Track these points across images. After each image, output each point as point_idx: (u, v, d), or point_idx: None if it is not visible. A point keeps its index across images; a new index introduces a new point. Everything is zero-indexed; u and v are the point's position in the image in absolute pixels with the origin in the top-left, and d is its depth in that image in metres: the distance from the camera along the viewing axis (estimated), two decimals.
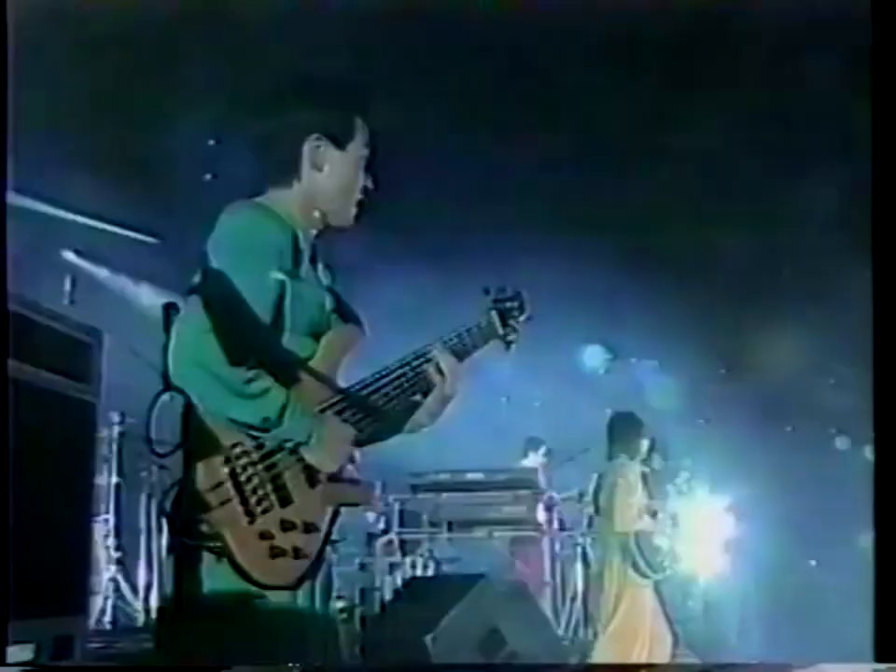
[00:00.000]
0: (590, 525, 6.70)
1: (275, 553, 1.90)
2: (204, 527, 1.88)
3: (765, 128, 5.68)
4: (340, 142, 2.16)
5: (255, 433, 1.93)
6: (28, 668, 2.36)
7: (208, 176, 6.10)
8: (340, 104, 2.19)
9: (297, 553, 1.93)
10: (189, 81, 5.17)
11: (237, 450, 1.91)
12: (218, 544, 1.87)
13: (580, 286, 7.35)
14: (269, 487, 1.93)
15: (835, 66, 4.71)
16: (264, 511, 1.91)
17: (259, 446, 1.94)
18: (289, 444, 1.96)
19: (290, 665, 1.96)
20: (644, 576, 5.12)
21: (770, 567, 7.73)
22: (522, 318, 2.37)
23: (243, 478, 1.90)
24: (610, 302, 7.58)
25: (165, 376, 1.91)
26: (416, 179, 5.81)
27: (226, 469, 1.90)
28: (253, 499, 1.91)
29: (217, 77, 5.12)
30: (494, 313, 2.34)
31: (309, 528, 1.96)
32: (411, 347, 2.21)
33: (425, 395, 2.21)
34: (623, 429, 5.39)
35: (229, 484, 1.89)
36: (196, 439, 1.93)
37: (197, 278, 1.98)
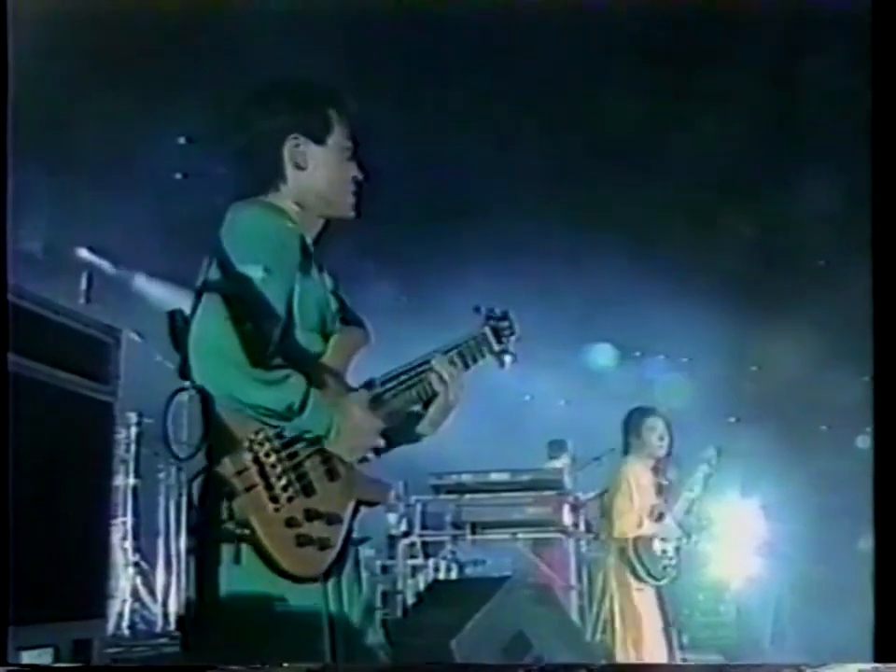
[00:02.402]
0: (588, 527, 6.69)
1: (302, 541, 1.94)
2: (231, 514, 1.91)
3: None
4: (318, 137, 2.20)
5: (276, 422, 1.96)
6: (13, 669, 2.38)
7: (178, 175, 6.18)
8: (310, 100, 2.23)
9: (322, 544, 1.97)
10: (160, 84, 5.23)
11: (260, 436, 1.95)
12: (246, 531, 1.91)
13: (604, 284, 7.37)
14: (292, 475, 1.97)
15: (835, 66, 4.73)
16: (289, 499, 1.95)
17: (280, 434, 1.97)
18: (309, 435, 1.99)
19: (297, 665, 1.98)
20: (642, 581, 5.06)
21: (805, 568, 7.69)
22: (513, 338, 2.45)
23: (267, 465, 1.95)
24: (636, 300, 7.57)
25: (182, 371, 1.95)
26: (419, 178, 5.86)
27: (249, 456, 1.94)
28: (278, 486, 1.95)
29: (193, 83, 5.17)
30: (488, 329, 2.41)
31: (332, 520, 2.00)
32: (409, 352, 2.27)
33: (425, 405, 2.26)
34: (636, 424, 5.30)
35: (253, 470, 1.94)
36: (216, 432, 1.96)
37: (211, 273, 2.03)
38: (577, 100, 5.60)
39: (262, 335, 1.97)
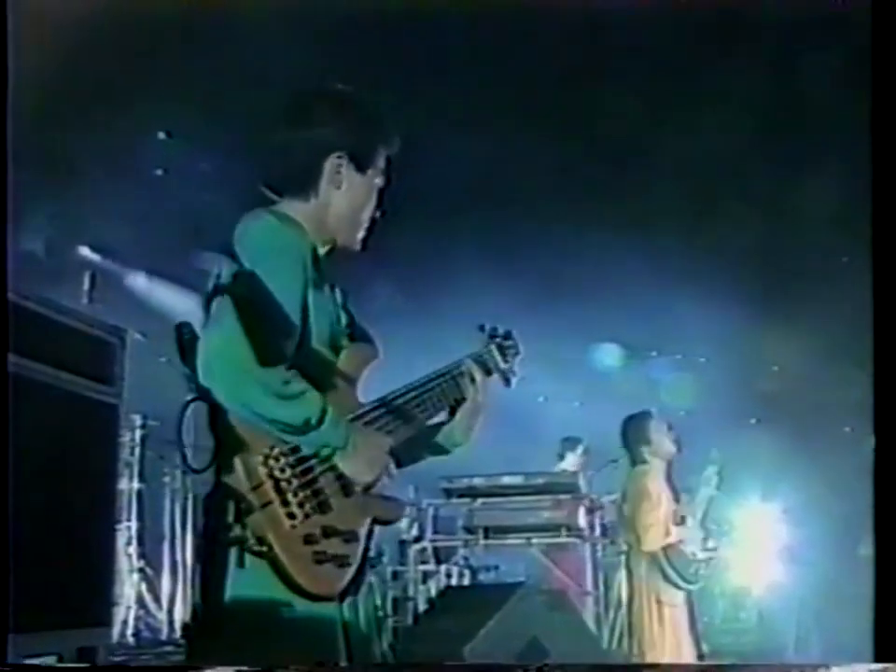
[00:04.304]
0: (604, 532, 6.67)
1: (319, 558, 1.94)
2: (247, 530, 1.90)
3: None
4: (361, 165, 2.21)
5: (291, 437, 1.96)
6: (13, 669, 2.39)
7: (159, 171, 6.23)
8: (369, 127, 2.24)
9: (340, 561, 1.97)
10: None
11: (275, 451, 1.95)
12: (263, 548, 1.90)
13: (620, 284, 7.37)
14: (308, 491, 1.97)
15: (835, 66, 4.75)
16: (306, 516, 1.95)
17: (295, 449, 1.97)
18: (326, 451, 1.99)
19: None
20: (678, 588, 5.04)
21: (829, 573, 7.66)
22: (518, 358, 2.49)
23: (282, 480, 1.94)
24: (653, 300, 7.56)
25: (196, 382, 1.95)
26: (422, 175, 5.87)
27: (265, 470, 1.93)
28: (294, 503, 1.94)
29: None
30: (494, 347, 2.44)
31: (349, 537, 2.00)
32: (413, 362, 2.29)
33: (451, 412, 2.29)
34: (642, 431, 5.27)
35: (269, 486, 1.93)
36: (229, 442, 1.96)
37: (224, 282, 2.00)
38: (580, 100, 5.64)
39: (278, 347, 1.97)
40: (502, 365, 2.44)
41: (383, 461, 2.07)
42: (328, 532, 1.96)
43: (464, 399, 2.28)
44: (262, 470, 1.93)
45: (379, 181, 2.25)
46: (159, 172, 6.28)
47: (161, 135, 5.97)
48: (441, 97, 5.51)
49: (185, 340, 2.00)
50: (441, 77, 5.33)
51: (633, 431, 5.30)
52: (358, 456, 2.02)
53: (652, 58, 5.33)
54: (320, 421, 1.95)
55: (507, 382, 2.47)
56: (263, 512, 1.91)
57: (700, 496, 5.18)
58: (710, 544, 5.16)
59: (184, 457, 1.96)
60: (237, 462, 1.93)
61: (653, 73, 5.45)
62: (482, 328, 2.47)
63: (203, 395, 1.95)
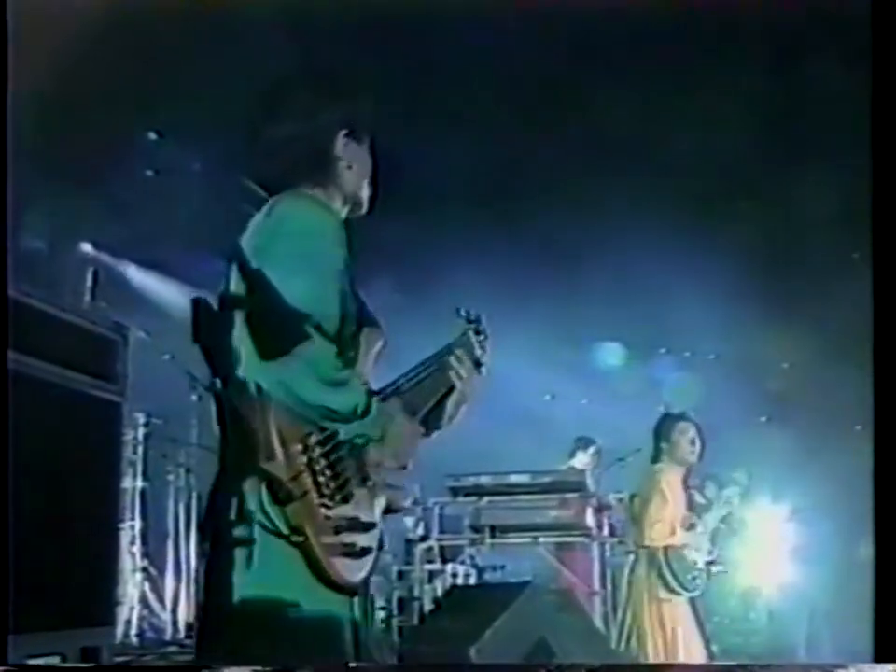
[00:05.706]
0: (612, 531, 6.68)
1: (346, 549, 1.97)
2: (284, 521, 1.91)
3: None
4: (359, 136, 2.24)
5: (333, 424, 1.98)
6: (14, 669, 2.40)
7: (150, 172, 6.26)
8: (355, 97, 2.26)
9: (362, 552, 2.00)
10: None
11: (312, 439, 1.96)
12: (300, 538, 1.91)
13: (626, 281, 7.37)
14: (339, 481, 1.98)
15: (835, 66, 4.76)
16: (336, 506, 1.96)
17: (329, 437, 1.98)
18: (360, 440, 2.01)
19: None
20: (673, 592, 5.04)
21: (840, 574, 7.66)
22: (487, 343, 2.46)
23: (317, 470, 1.96)
24: (662, 296, 7.55)
25: (213, 368, 1.97)
26: (429, 168, 5.90)
27: (304, 459, 1.94)
28: (327, 492, 1.96)
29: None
30: (471, 333, 2.43)
31: (367, 527, 2.02)
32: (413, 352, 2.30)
33: (439, 401, 2.30)
34: (667, 430, 5.27)
35: (306, 475, 1.94)
36: (270, 434, 1.94)
37: (254, 265, 2.00)
38: (580, 97, 5.64)
39: (326, 331, 1.99)
40: (477, 351, 2.41)
41: (412, 449, 2.12)
42: (352, 522, 1.98)
43: (452, 389, 2.29)
44: (301, 459, 1.94)
45: (367, 141, 2.26)
46: (149, 172, 6.33)
47: (153, 136, 6.02)
48: (436, 95, 5.52)
49: (201, 316, 2.00)
50: (432, 71, 5.33)
51: (660, 427, 5.31)
52: (390, 444, 2.05)
53: (652, 57, 5.34)
54: (366, 411, 1.99)
55: (478, 368, 2.41)
56: (301, 502, 1.92)
57: (717, 509, 5.19)
58: (715, 556, 5.15)
59: (223, 437, 1.97)
60: (277, 450, 1.93)
61: (653, 71, 5.48)
62: (458, 311, 2.46)
63: (216, 386, 1.97)
